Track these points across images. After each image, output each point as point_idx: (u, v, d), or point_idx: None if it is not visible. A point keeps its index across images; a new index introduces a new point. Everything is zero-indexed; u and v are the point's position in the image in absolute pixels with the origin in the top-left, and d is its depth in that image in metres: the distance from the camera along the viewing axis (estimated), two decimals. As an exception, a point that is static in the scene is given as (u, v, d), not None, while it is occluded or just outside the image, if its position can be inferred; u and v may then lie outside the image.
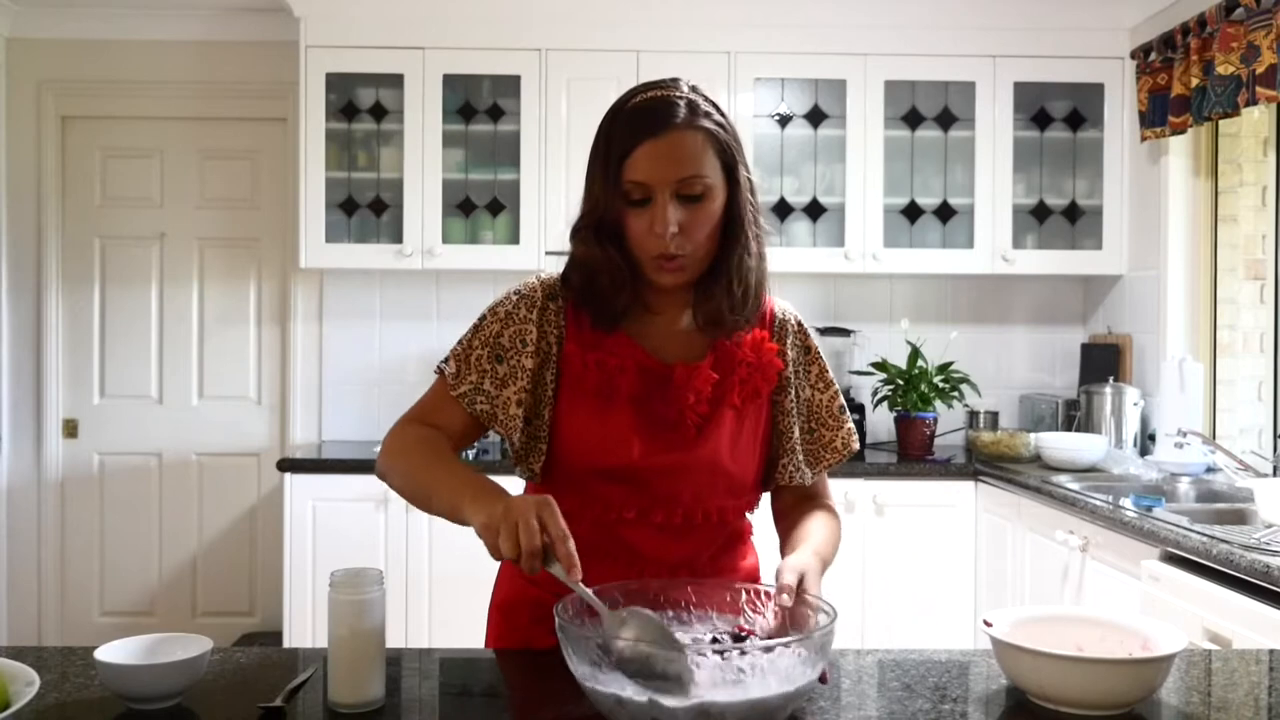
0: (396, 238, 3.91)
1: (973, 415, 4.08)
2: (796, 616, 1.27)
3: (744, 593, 1.34)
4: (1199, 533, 2.42)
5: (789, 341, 1.55)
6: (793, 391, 1.54)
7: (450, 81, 3.91)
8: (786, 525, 1.54)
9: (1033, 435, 3.75)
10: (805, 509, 1.55)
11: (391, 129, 3.94)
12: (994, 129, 3.95)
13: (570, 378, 1.45)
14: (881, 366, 3.93)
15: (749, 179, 1.45)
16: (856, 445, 1.60)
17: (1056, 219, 4.07)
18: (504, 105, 3.96)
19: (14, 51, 4.28)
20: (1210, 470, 3.30)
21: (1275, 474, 3.15)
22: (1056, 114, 4.05)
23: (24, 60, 4.28)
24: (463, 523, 1.28)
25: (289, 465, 3.67)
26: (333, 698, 1.22)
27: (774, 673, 1.09)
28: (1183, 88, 3.48)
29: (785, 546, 1.48)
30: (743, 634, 1.28)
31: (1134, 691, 1.22)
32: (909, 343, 3.97)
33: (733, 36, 3.90)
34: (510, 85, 3.92)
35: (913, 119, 4.03)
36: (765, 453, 1.54)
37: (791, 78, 3.98)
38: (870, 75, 3.93)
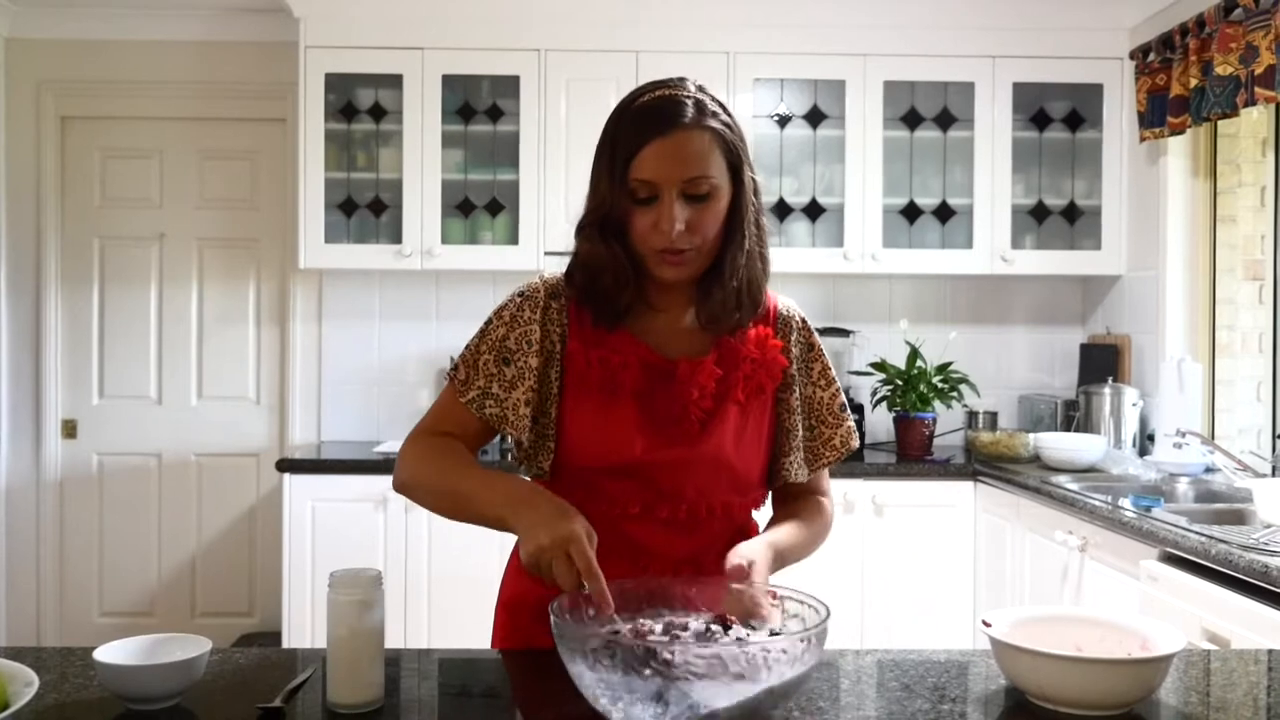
0: (396, 238, 3.91)
1: (972, 415, 4.08)
2: (745, 607, 1.26)
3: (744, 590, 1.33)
4: (1198, 533, 2.43)
5: (793, 339, 1.56)
6: (797, 389, 1.55)
7: (449, 82, 3.91)
8: (775, 521, 1.56)
9: (1032, 435, 3.75)
10: (796, 505, 1.57)
11: (391, 129, 3.94)
12: (993, 129, 3.96)
13: (574, 375, 1.46)
14: (880, 367, 3.93)
15: (753, 179, 1.46)
16: (856, 444, 1.61)
17: (1055, 219, 4.07)
18: (503, 106, 3.96)
19: (13, 52, 4.28)
20: (1209, 470, 3.30)
21: (1274, 474, 3.15)
22: (1055, 114, 4.05)
23: (23, 60, 4.28)
24: (507, 530, 1.33)
25: (288, 466, 3.67)
26: (332, 698, 1.22)
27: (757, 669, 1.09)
28: (1181, 88, 3.48)
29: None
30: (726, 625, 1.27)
31: (1133, 692, 1.22)
32: (908, 343, 3.97)
33: (732, 37, 3.91)
34: (509, 86, 3.92)
35: (912, 119, 4.03)
36: (770, 449, 1.54)
37: (791, 78, 3.98)
38: (869, 75, 3.94)
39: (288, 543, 3.66)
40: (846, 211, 3.94)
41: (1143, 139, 3.73)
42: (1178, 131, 3.53)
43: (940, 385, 3.89)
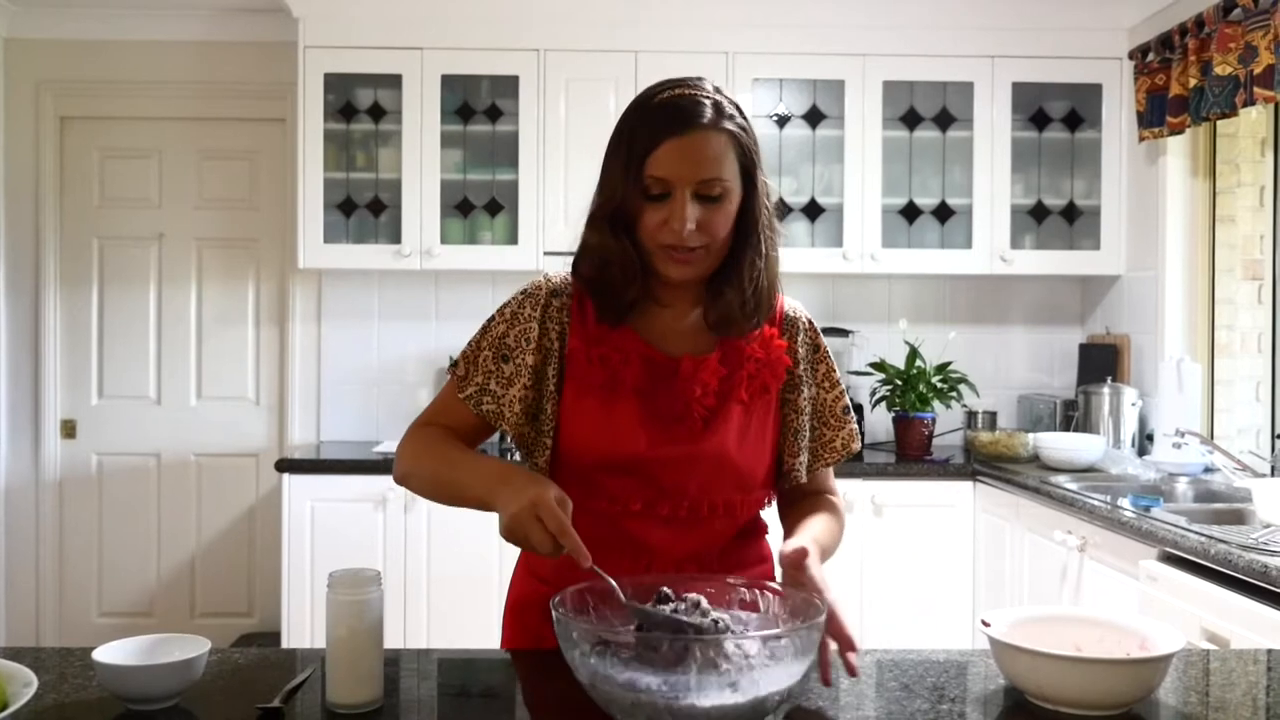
0: (395, 238, 3.91)
1: (971, 415, 4.08)
2: (796, 607, 1.27)
3: (744, 588, 1.33)
4: (1197, 533, 2.43)
5: (799, 339, 1.56)
6: (804, 390, 1.55)
7: (448, 82, 3.91)
8: (791, 520, 1.55)
9: (1031, 435, 3.75)
10: (809, 504, 1.56)
11: (390, 129, 3.94)
12: (992, 129, 3.96)
13: (575, 372, 1.47)
14: (880, 367, 3.93)
15: (765, 182, 1.47)
16: (857, 446, 1.60)
17: (1054, 219, 4.07)
18: (502, 106, 3.96)
19: (12, 52, 4.28)
20: (1208, 470, 3.30)
21: (1273, 474, 3.15)
22: (1055, 114, 4.05)
23: (22, 60, 4.28)
24: (492, 510, 1.33)
25: (287, 466, 3.66)
26: (331, 698, 1.22)
27: (762, 665, 1.10)
28: (1181, 88, 3.48)
29: (787, 537, 1.48)
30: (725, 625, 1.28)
31: (1132, 691, 1.22)
32: (907, 343, 3.97)
33: (731, 37, 3.91)
34: (508, 86, 3.92)
35: (911, 119, 4.03)
36: (774, 449, 1.54)
37: (790, 78, 3.98)
38: (868, 75, 3.94)
39: (287, 543, 3.65)
40: (846, 211, 3.95)
41: (1142, 139, 3.74)
42: (1177, 131, 3.53)
43: (939, 385, 3.89)
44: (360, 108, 3.97)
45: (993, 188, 3.97)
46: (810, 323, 1.59)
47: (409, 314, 4.27)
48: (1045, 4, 3.91)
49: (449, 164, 3.93)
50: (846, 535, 1.61)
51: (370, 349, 4.27)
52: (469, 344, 1.53)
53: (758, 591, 1.31)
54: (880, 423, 4.16)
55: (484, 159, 3.97)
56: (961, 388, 3.93)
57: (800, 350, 1.56)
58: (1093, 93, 3.99)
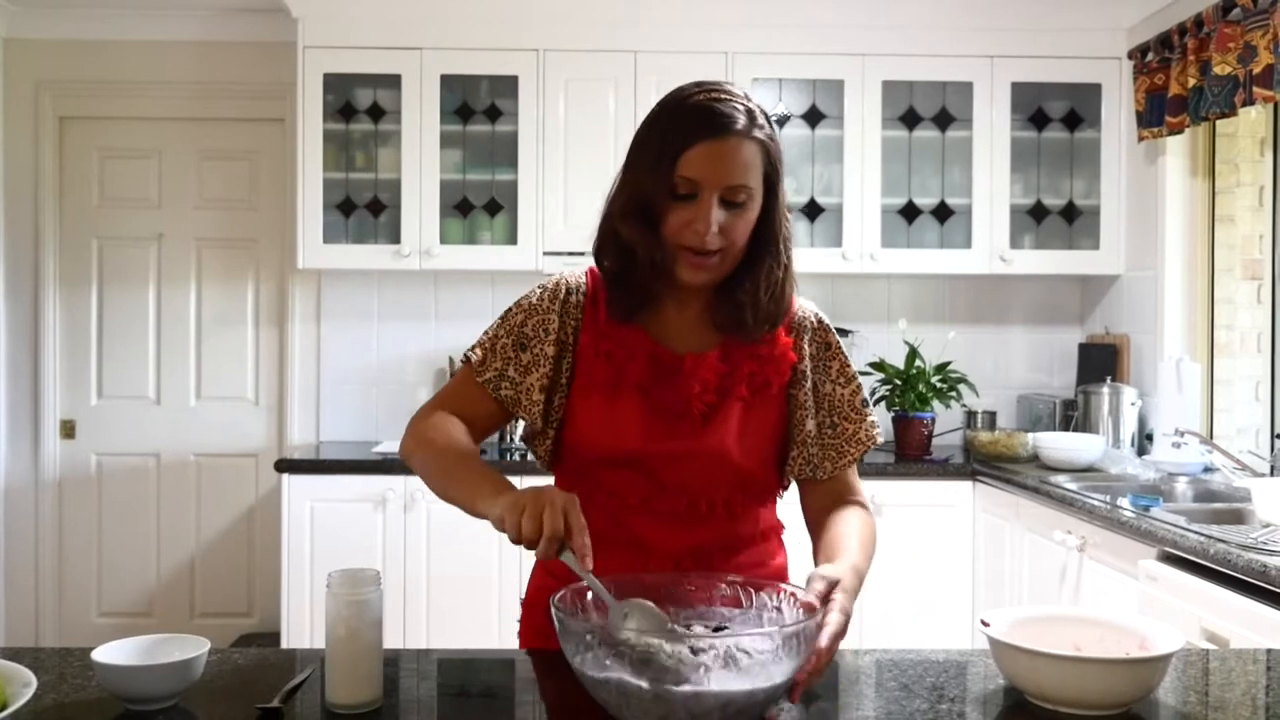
0: (394, 238, 3.91)
1: (970, 415, 4.08)
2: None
3: (742, 586, 1.33)
4: (1196, 532, 2.43)
5: (807, 338, 1.56)
6: (808, 385, 1.54)
7: (448, 82, 3.91)
8: (819, 527, 1.51)
9: (1030, 435, 3.75)
10: (837, 510, 1.52)
11: (389, 129, 3.94)
12: (991, 129, 3.96)
13: (583, 368, 1.49)
14: (879, 366, 3.93)
15: (785, 193, 1.49)
16: (879, 439, 1.60)
17: (1054, 219, 4.07)
18: (502, 106, 3.96)
19: (11, 52, 4.28)
20: (1208, 470, 3.30)
21: (1272, 474, 3.16)
22: (1054, 114, 4.05)
23: (22, 61, 4.28)
24: (477, 515, 1.33)
25: (287, 466, 3.66)
26: (330, 698, 1.22)
27: (752, 665, 1.10)
28: (1180, 88, 3.48)
29: (819, 552, 1.45)
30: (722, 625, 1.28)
31: (1131, 691, 1.22)
32: (907, 343, 3.97)
33: (730, 37, 3.91)
34: (508, 86, 3.92)
35: (910, 119, 4.03)
36: (780, 447, 1.54)
37: (789, 78, 3.98)
38: (868, 75, 3.94)
39: (286, 543, 3.65)
40: (845, 211, 3.95)
41: (1141, 139, 3.74)
42: (1176, 131, 3.53)
43: (939, 385, 3.89)
44: (360, 108, 3.97)
45: (992, 188, 3.97)
46: (819, 320, 1.59)
47: (408, 314, 4.27)
48: (1044, 4, 3.91)
49: (448, 164, 3.93)
50: None
51: (370, 349, 4.27)
52: (486, 333, 1.55)
53: (746, 590, 1.31)
54: (880, 422, 4.15)
55: (483, 159, 3.97)
56: (961, 388, 3.93)
57: (808, 348, 1.56)
58: (1092, 93, 4.00)
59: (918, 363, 3.91)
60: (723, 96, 1.41)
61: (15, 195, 4.29)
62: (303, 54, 3.87)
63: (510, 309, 1.54)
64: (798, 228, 4.01)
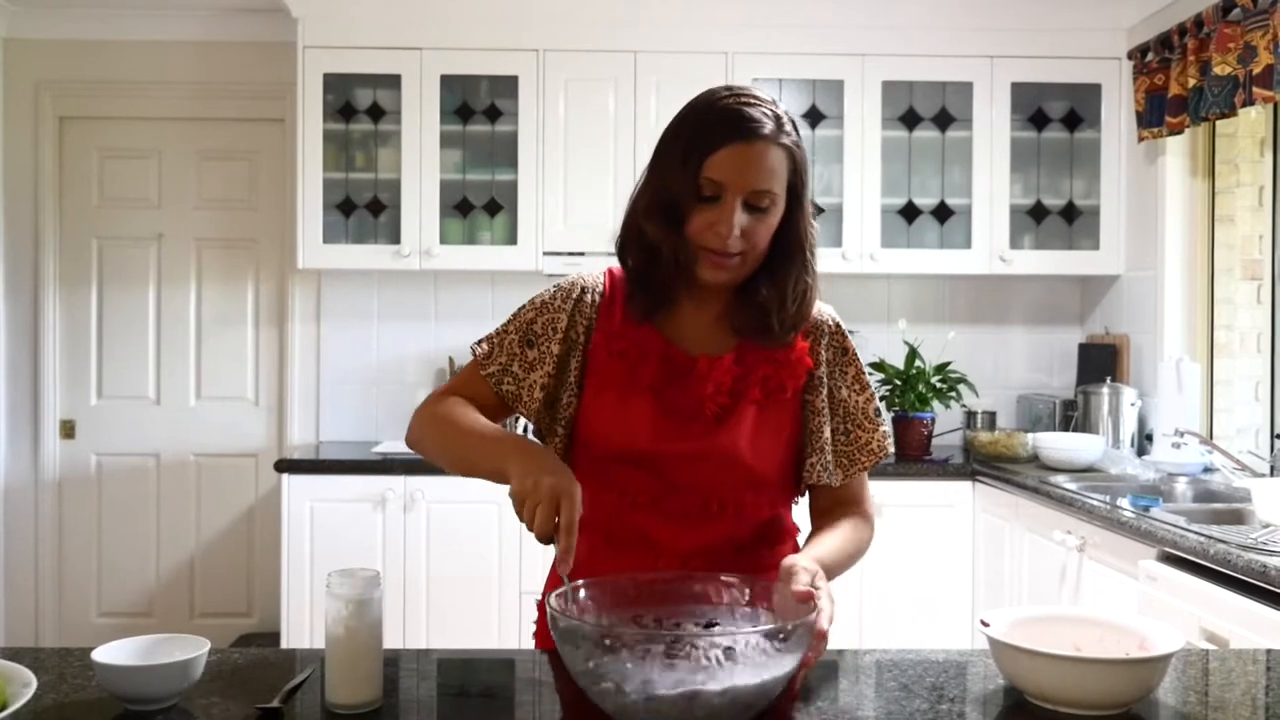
0: (394, 238, 3.91)
1: (970, 415, 4.08)
2: (785, 607, 1.27)
3: (743, 586, 1.33)
4: (1196, 533, 2.43)
5: (824, 343, 1.57)
6: (825, 391, 1.55)
7: (448, 82, 3.91)
8: (814, 529, 1.55)
9: (1030, 435, 3.75)
10: (836, 515, 1.55)
11: (389, 129, 3.94)
12: (991, 129, 3.96)
13: (595, 367, 1.50)
14: (879, 367, 3.93)
15: (811, 202, 1.50)
16: (891, 448, 1.61)
17: (1054, 219, 4.07)
18: (501, 106, 3.96)
19: (11, 52, 4.28)
20: (1207, 470, 3.30)
21: (1272, 474, 3.16)
22: (1054, 114, 4.05)
23: (21, 61, 4.28)
24: (505, 481, 1.33)
25: (287, 466, 3.66)
26: (330, 698, 1.22)
27: (746, 662, 1.10)
28: (1180, 88, 3.48)
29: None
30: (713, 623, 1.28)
31: (1131, 691, 1.22)
32: (906, 343, 3.97)
33: (730, 37, 3.91)
34: (508, 86, 3.92)
35: (910, 119, 4.03)
36: (794, 450, 1.54)
37: (789, 78, 3.98)
38: (868, 76, 3.94)
39: (286, 543, 3.65)
40: (845, 211, 3.95)
41: (1141, 139, 3.74)
42: (1176, 131, 3.53)
43: (939, 385, 3.89)
44: (359, 108, 3.97)
45: (992, 188, 3.97)
46: (836, 325, 1.60)
47: (408, 314, 4.27)
48: (1044, 4, 3.92)
49: (448, 164, 3.93)
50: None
51: (369, 349, 4.27)
52: (497, 327, 1.57)
53: (738, 588, 1.32)
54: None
55: (483, 159, 3.97)
56: (961, 388, 3.93)
57: (825, 353, 1.56)
58: (1092, 93, 4.00)
59: (917, 363, 3.91)
60: (752, 101, 1.43)
61: (15, 195, 4.29)
62: (302, 54, 3.87)
63: (523, 305, 1.56)
64: (798, 228, 4.00)
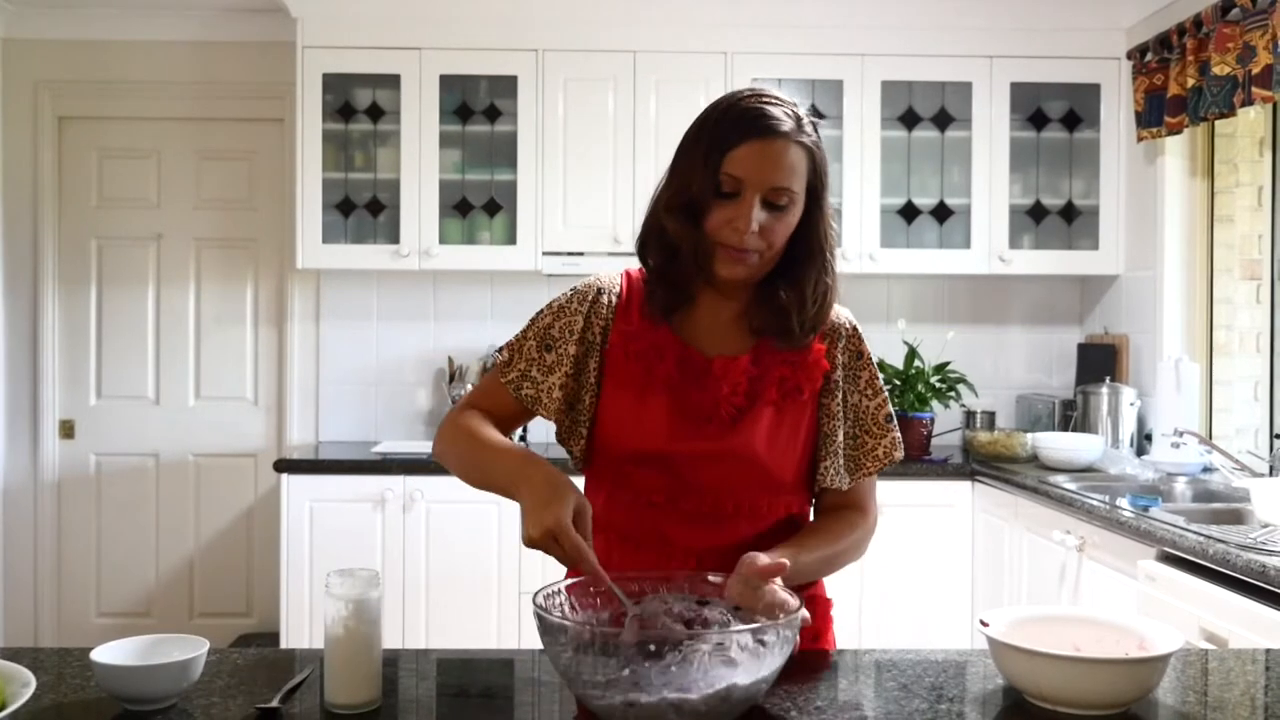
0: (393, 238, 3.91)
1: (970, 415, 4.08)
2: (770, 607, 1.28)
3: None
4: (1195, 532, 2.43)
5: (840, 346, 1.57)
6: (840, 395, 1.55)
7: (447, 82, 3.91)
8: (808, 526, 1.57)
9: (1029, 435, 3.75)
10: (830, 517, 1.57)
11: (388, 129, 3.94)
12: (990, 129, 3.96)
13: (612, 367, 1.51)
14: (879, 367, 3.92)
15: (831, 205, 1.51)
16: (900, 455, 1.60)
17: (1053, 219, 4.07)
18: (501, 106, 3.96)
19: (10, 52, 4.28)
20: (1207, 470, 3.30)
21: (1271, 474, 3.16)
22: (1053, 114, 4.05)
23: (20, 61, 4.28)
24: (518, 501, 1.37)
25: (286, 466, 3.66)
26: (329, 699, 1.22)
27: (726, 660, 1.11)
28: (1179, 88, 3.48)
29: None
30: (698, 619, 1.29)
31: (1130, 691, 1.22)
32: (906, 343, 3.97)
33: (730, 37, 3.90)
34: (507, 86, 3.92)
35: (909, 119, 4.03)
36: (810, 452, 1.55)
37: (788, 78, 3.98)
38: (867, 76, 3.94)
39: (285, 543, 3.65)
40: (844, 211, 3.94)
41: (1140, 139, 3.74)
42: (1175, 131, 3.53)
43: (938, 385, 3.89)
44: (359, 108, 3.97)
45: (991, 188, 3.97)
46: (854, 328, 1.60)
47: (407, 314, 4.27)
48: (1043, 4, 3.92)
49: (447, 164, 3.93)
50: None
51: (369, 349, 4.27)
52: (516, 334, 1.58)
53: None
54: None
55: (482, 159, 3.97)
56: (960, 388, 3.93)
57: (840, 356, 1.57)
58: (1091, 93, 4.00)
59: (917, 363, 3.91)
60: (773, 101, 1.45)
61: (14, 195, 4.29)
62: (302, 54, 3.87)
63: (541, 311, 1.58)
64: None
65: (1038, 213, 4.06)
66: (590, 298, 1.54)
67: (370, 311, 4.27)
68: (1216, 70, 3.22)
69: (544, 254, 3.86)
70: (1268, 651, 1.54)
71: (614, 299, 1.55)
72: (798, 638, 1.20)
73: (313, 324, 4.27)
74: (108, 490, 4.35)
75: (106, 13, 4.21)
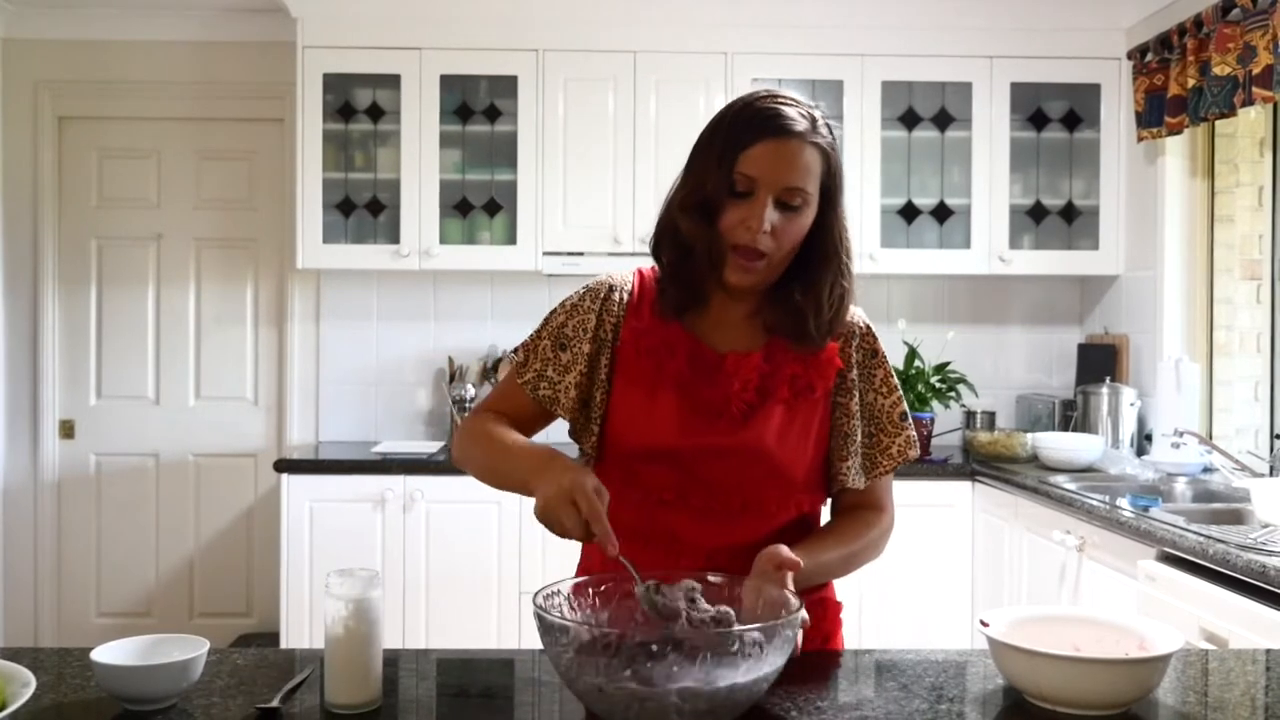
0: (393, 238, 3.91)
1: (970, 415, 4.08)
2: (770, 605, 1.28)
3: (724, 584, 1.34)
4: (1195, 533, 2.43)
5: (855, 344, 1.58)
6: (857, 395, 1.56)
7: (447, 82, 3.91)
8: (825, 526, 1.57)
9: (1030, 435, 3.75)
10: (848, 517, 1.57)
11: (388, 129, 3.94)
12: (991, 129, 3.96)
13: (623, 363, 1.52)
14: (879, 367, 3.93)
15: (844, 205, 1.51)
16: (915, 453, 1.59)
17: (1053, 219, 4.07)
18: (501, 106, 3.96)
19: (10, 52, 4.28)
20: (1207, 470, 3.30)
21: (1271, 474, 3.16)
22: (1053, 114, 4.05)
23: (20, 60, 4.28)
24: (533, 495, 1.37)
25: (286, 466, 3.66)
26: (329, 699, 1.22)
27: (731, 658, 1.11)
28: (1179, 88, 3.48)
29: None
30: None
31: (1131, 691, 1.22)
32: (906, 343, 3.97)
33: (729, 37, 3.90)
34: (507, 86, 3.92)
35: (910, 119, 4.03)
36: (822, 452, 1.54)
37: (788, 78, 3.98)
38: (867, 76, 3.94)
39: (285, 543, 3.65)
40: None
41: (1140, 139, 3.74)
42: (1175, 131, 3.53)
43: (938, 385, 3.89)
44: (359, 108, 3.97)
45: (991, 188, 3.97)
46: (867, 327, 1.61)
47: (408, 314, 4.27)
48: (1044, 4, 3.92)
49: (448, 164, 3.93)
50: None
51: (369, 349, 4.27)
52: (530, 334, 1.58)
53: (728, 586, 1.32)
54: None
55: (482, 159, 3.97)
56: (960, 388, 3.93)
57: (854, 355, 1.57)
58: (1091, 93, 4.00)
59: (917, 363, 3.91)
60: (788, 101, 1.45)
61: (14, 195, 4.29)
62: (302, 54, 3.87)
63: (554, 310, 1.57)
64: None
65: (1038, 213, 4.06)
66: (602, 295, 1.54)
67: (370, 311, 4.27)
68: (1217, 70, 3.22)
69: (544, 254, 3.86)
70: (1268, 652, 1.54)
71: (626, 296, 1.55)
72: (798, 638, 1.20)
73: (313, 324, 4.27)
74: (108, 490, 4.35)
75: (106, 13, 4.21)
